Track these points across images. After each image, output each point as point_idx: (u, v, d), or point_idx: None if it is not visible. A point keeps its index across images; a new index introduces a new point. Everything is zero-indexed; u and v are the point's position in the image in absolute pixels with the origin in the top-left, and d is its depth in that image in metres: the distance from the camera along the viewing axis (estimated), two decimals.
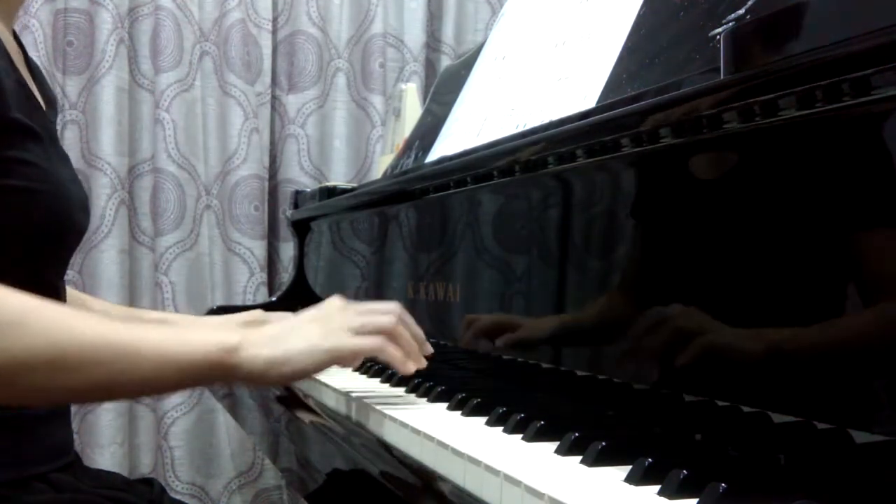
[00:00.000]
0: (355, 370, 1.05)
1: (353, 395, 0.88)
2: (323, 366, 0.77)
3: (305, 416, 0.97)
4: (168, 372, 0.71)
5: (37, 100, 0.88)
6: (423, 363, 0.83)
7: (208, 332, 0.77)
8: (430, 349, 0.85)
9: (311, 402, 0.99)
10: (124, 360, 0.69)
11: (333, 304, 0.82)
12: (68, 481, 0.87)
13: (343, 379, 0.99)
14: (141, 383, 0.73)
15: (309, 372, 0.77)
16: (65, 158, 0.92)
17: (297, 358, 0.75)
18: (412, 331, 0.83)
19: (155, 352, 0.71)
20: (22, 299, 0.68)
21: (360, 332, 0.78)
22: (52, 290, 0.90)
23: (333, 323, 0.78)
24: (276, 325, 0.79)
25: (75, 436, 1.94)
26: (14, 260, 0.82)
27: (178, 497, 1.57)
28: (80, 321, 0.70)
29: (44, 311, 0.69)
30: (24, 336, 0.66)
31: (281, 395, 1.09)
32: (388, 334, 0.79)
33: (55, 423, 0.90)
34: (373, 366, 1.02)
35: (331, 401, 0.95)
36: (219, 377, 0.75)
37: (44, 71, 1.91)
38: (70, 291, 1.15)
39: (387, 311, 0.81)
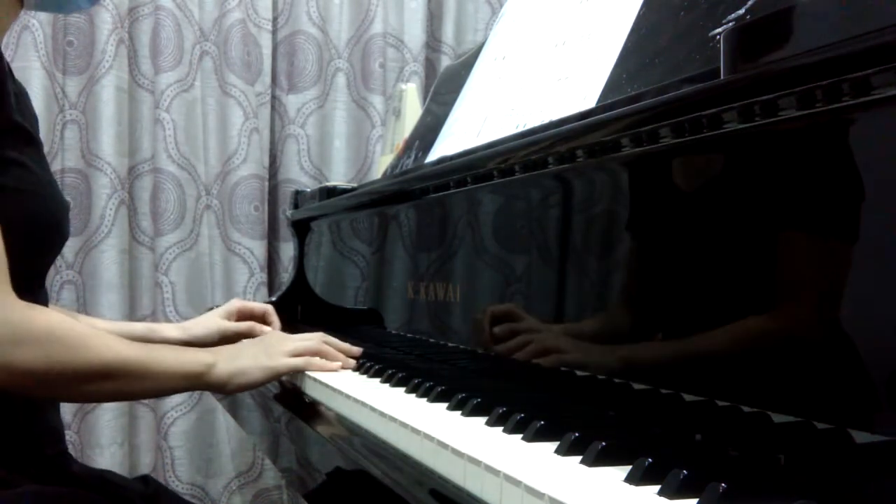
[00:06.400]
0: (355, 370, 1.06)
1: (353, 394, 0.88)
2: (268, 379, 1.02)
3: (304, 416, 0.97)
4: (172, 382, 0.95)
5: (33, 108, 0.98)
6: (351, 363, 1.07)
7: (193, 353, 0.99)
8: (358, 351, 1.10)
9: (308, 400, 0.99)
10: (149, 372, 0.92)
11: (274, 335, 1.12)
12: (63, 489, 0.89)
13: (342, 379, 0.99)
14: (156, 389, 0.99)
15: (259, 383, 1.01)
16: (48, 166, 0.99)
17: (249, 372, 0.99)
18: (338, 346, 1.08)
19: (167, 367, 0.94)
20: (82, 325, 0.90)
21: (293, 354, 1.04)
22: (32, 296, 0.90)
23: (273, 348, 1.04)
24: (233, 347, 1.05)
25: (76, 436, 1.95)
26: None
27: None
28: (121, 344, 0.91)
29: (98, 334, 0.90)
30: (86, 354, 0.86)
31: (278, 393, 1.09)
32: (316, 353, 1.06)
33: (37, 417, 0.96)
34: (372, 366, 1.02)
35: (330, 400, 0.95)
36: (200, 386, 1.00)
37: (44, 71, 1.94)
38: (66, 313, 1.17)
39: (311, 338, 1.08)
